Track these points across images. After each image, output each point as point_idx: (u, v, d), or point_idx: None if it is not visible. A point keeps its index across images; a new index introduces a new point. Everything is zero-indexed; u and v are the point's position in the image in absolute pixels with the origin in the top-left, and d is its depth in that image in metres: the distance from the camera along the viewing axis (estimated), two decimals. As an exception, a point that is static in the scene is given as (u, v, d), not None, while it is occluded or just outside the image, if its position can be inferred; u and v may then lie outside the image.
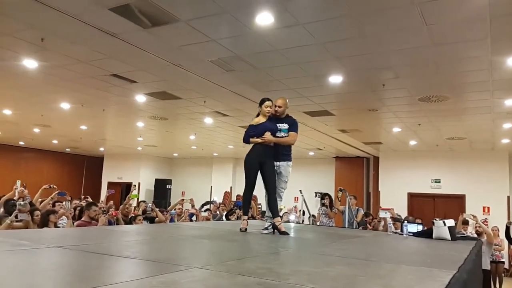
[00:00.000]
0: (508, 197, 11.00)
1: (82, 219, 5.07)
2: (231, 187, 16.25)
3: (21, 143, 15.52)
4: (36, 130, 11.87)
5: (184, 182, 17.50)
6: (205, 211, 8.01)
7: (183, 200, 8.20)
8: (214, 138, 11.86)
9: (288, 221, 7.23)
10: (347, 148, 11.99)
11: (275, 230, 3.84)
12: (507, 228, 7.19)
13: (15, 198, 6.06)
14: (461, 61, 4.96)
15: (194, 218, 7.09)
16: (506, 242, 8.20)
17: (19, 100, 8.21)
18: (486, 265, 6.22)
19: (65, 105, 8.30)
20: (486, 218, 11.05)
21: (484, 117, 7.63)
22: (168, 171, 18.08)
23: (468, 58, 4.83)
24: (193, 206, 8.14)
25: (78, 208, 6.17)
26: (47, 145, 15.86)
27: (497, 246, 9.00)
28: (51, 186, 6.47)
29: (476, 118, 7.76)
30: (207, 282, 1.70)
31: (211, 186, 16.57)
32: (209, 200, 12.06)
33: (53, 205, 5.78)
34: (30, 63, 5.70)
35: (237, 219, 7.86)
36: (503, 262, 9.12)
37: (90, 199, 7.63)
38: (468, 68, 5.17)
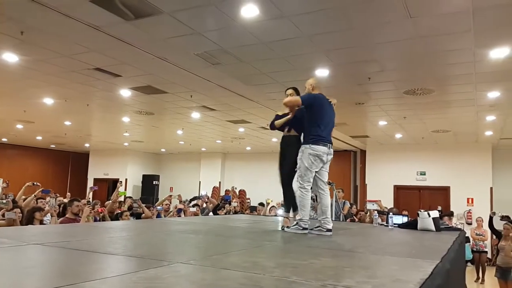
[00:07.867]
0: (491, 188, 11.23)
1: (66, 216, 4.99)
2: (219, 182, 16.20)
3: (4, 139, 15.18)
4: (19, 126, 11.61)
5: (172, 177, 17.38)
6: (193, 206, 7.96)
7: (171, 196, 8.14)
8: (202, 133, 11.78)
9: (275, 215, 7.25)
10: (334, 142, 11.91)
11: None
12: (491, 218, 7.35)
13: (-3, 195, 5.94)
14: (445, 54, 5.01)
15: (182, 213, 7.04)
16: (489, 232, 8.38)
17: (0, 96, 8.00)
18: None
19: (48, 100, 8.12)
20: (470, 209, 11.29)
21: (468, 110, 7.74)
22: (156, 167, 17.91)
23: (452, 50, 4.87)
24: (181, 201, 8.09)
25: (62, 205, 6.06)
26: (31, 142, 15.54)
27: (480, 236, 9.20)
28: (35, 183, 6.36)
29: (460, 111, 7.86)
30: (190, 277, 1.68)
31: (200, 182, 16.50)
32: (197, 195, 11.99)
33: (36, 202, 5.67)
34: (10, 57, 5.54)
35: (226, 214, 7.83)
36: (486, 252, 9.33)
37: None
38: (452, 60, 5.22)
